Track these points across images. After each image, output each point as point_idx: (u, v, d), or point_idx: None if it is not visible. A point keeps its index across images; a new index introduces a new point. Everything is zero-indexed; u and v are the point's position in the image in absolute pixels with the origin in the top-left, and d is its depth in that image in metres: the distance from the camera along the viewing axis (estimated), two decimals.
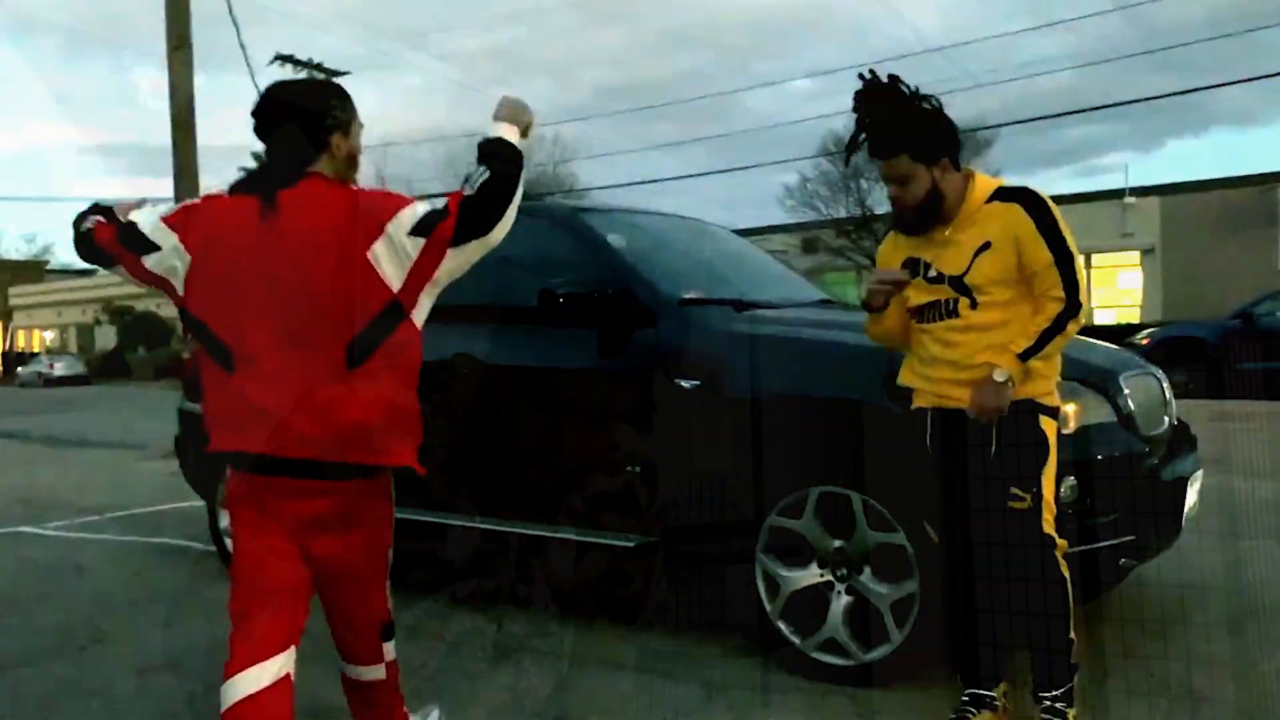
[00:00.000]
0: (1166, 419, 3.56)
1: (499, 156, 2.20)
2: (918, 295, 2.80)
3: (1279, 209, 21.42)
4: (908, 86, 2.75)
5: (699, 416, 3.50)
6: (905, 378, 2.87)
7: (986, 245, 2.66)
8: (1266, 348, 13.27)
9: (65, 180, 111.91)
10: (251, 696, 2.19)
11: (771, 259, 5.11)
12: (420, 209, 2.17)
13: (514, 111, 2.28)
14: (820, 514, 3.26)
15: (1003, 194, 2.73)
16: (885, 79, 2.76)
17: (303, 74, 31.47)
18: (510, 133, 2.25)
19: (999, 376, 2.60)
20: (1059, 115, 21.43)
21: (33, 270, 59.78)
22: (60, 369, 39.17)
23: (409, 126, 73.09)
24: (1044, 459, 2.67)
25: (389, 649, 2.59)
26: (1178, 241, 22.54)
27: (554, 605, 4.17)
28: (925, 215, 2.74)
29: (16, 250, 66.34)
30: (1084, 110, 24.08)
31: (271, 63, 30.95)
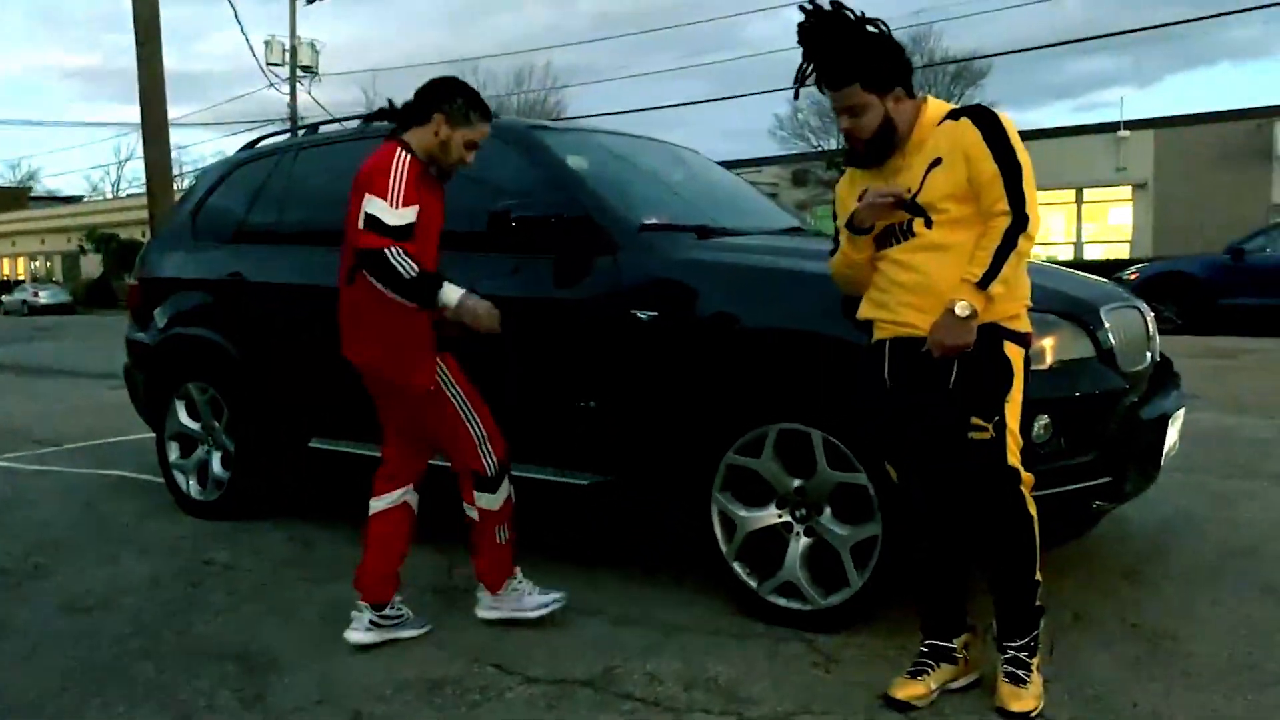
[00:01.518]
0: (1149, 354, 3.37)
1: (403, 279, 2.79)
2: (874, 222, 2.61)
3: (1275, 144, 21.06)
4: (852, 12, 2.54)
5: (655, 350, 3.31)
6: (864, 310, 2.67)
7: (937, 161, 2.49)
8: (1256, 284, 13.12)
9: (54, 105, 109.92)
10: None
11: (745, 185, 4.87)
12: (372, 208, 2.79)
13: (476, 317, 2.87)
14: (779, 452, 3.09)
15: (954, 114, 2.55)
16: (829, 5, 2.54)
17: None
18: (450, 305, 2.83)
19: (960, 310, 2.41)
20: (1053, 45, 20.91)
21: (16, 196, 58.90)
22: (45, 297, 38.86)
23: (403, 52, 71.37)
24: (1007, 386, 2.50)
25: (479, 498, 3.13)
26: (1171, 176, 22.20)
27: None
28: (880, 147, 2.56)
29: (1, 177, 65.45)
30: (1079, 40, 23.47)
31: None
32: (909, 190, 2.52)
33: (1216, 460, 5.36)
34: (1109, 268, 16.70)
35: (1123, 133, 22.76)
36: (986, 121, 2.50)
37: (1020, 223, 2.43)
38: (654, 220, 3.61)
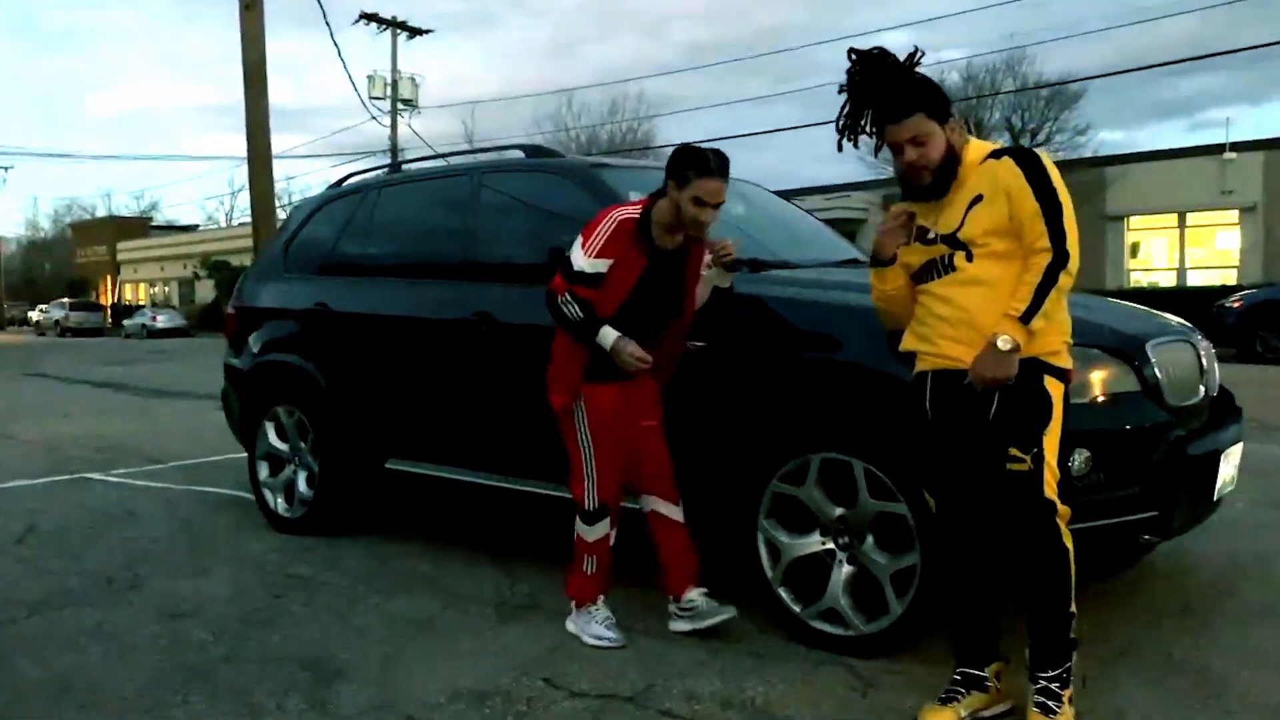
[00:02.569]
0: (1203, 389, 3.35)
1: (569, 316, 3.25)
2: (915, 257, 2.72)
3: None
4: (895, 56, 2.68)
5: (704, 378, 3.44)
6: (907, 342, 2.77)
7: (978, 198, 2.59)
8: None
9: (175, 138, 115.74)
10: None
11: (806, 218, 4.97)
12: (571, 252, 3.26)
13: (620, 358, 3.20)
14: (822, 481, 3.19)
15: (996, 154, 2.66)
16: (875, 50, 2.69)
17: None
18: (605, 346, 3.21)
19: (1003, 344, 2.49)
20: (1148, 68, 20.33)
21: (138, 226, 62.17)
22: (162, 321, 40.78)
23: (500, 84, 73.15)
24: (1046, 419, 2.56)
25: (578, 524, 3.44)
26: None
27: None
28: (946, 175, 2.63)
29: (125, 207, 69.15)
30: (1173, 62, 22.65)
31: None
32: (949, 227, 2.61)
33: None
34: (1213, 294, 16.13)
35: (1229, 154, 21.94)
36: (1028, 161, 2.59)
37: (1061, 259, 2.50)
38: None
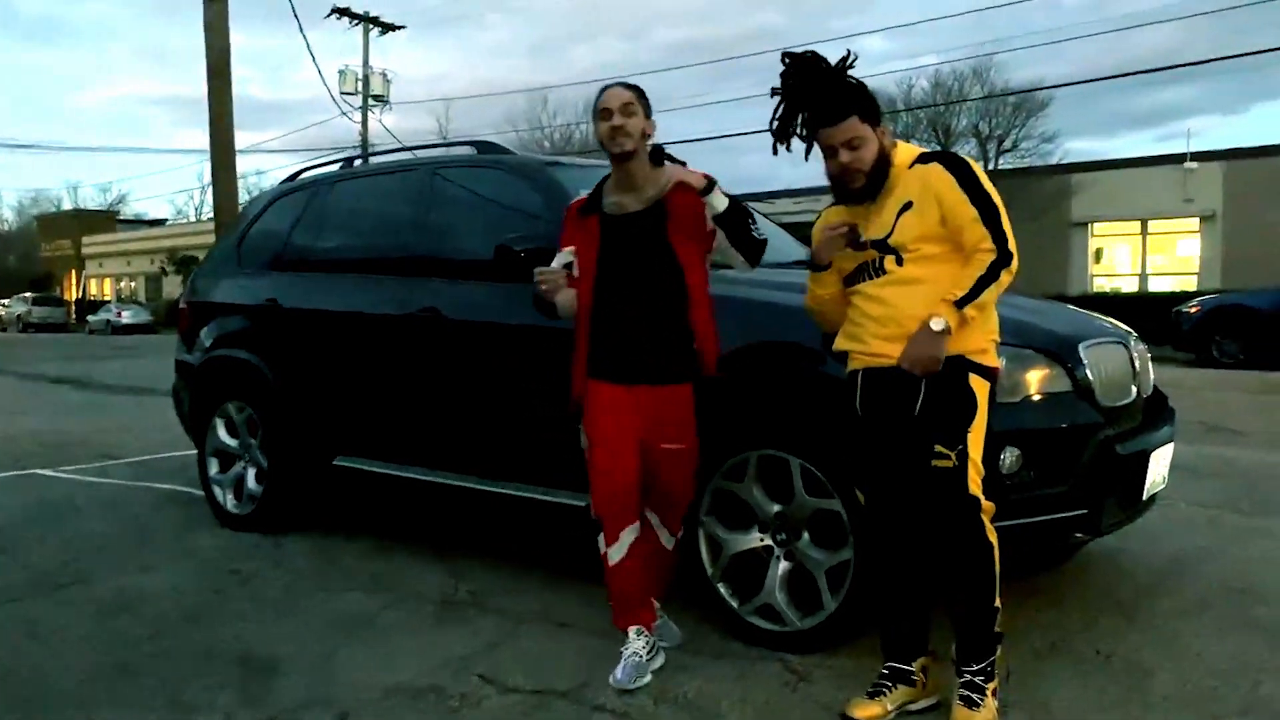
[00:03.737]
0: (1135, 389, 3.41)
1: None
2: (848, 262, 2.77)
3: None
4: (827, 60, 2.72)
5: None
6: (840, 342, 2.81)
7: (908, 205, 2.64)
8: None
9: (146, 131, 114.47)
10: None
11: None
12: None
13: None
14: (761, 478, 3.22)
15: (923, 158, 2.71)
16: (807, 54, 2.73)
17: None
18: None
19: (936, 325, 2.55)
20: (1114, 77, 20.59)
21: (105, 219, 61.32)
22: (127, 317, 40.27)
23: (481, 82, 72.78)
24: (970, 417, 2.60)
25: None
26: (1240, 208, 21.60)
27: (520, 561, 4.20)
28: (877, 179, 2.68)
29: (93, 200, 68.16)
30: (1140, 72, 23.13)
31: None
32: (880, 233, 2.66)
33: (1242, 498, 5.30)
34: (1173, 300, 16.37)
35: (1189, 164, 22.27)
36: (958, 166, 2.64)
37: (1004, 258, 2.57)
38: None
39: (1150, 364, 3.67)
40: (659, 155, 3.05)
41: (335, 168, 5.07)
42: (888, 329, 2.64)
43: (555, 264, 3.06)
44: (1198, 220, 22.71)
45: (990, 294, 2.56)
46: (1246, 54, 19.54)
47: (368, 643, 3.33)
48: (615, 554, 3.01)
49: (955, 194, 2.58)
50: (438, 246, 4.24)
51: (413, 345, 4.16)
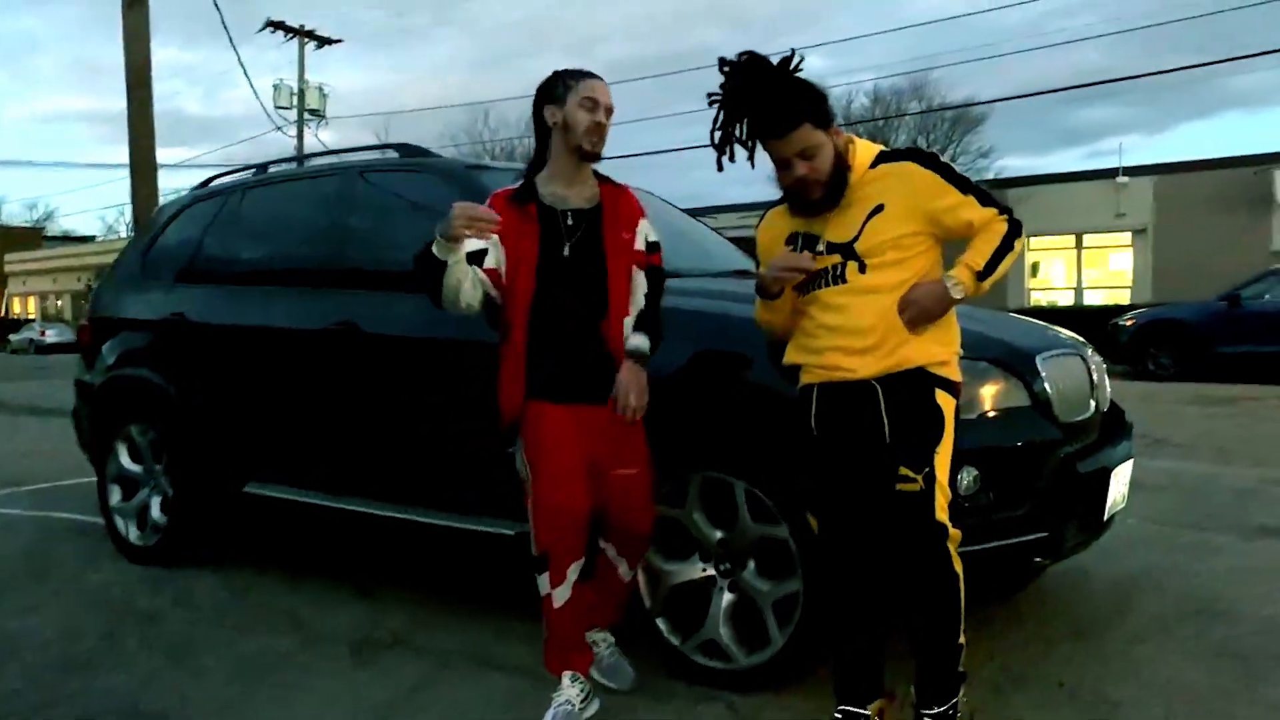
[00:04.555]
0: (1093, 404, 3.25)
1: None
2: None
3: (1274, 191, 20.93)
4: (770, 60, 2.42)
5: None
6: (791, 355, 2.58)
7: (879, 208, 2.41)
8: (1252, 331, 12.95)
9: (75, 147, 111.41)
10: None
11: (702, 228, 4.79)
12: None
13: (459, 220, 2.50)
14: (703, 503, 2.98)
15: (889, 156, 2.49)
16: (745, 58, 2.43)
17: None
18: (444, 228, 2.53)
19: (954, 289, 2.39)
20: (1050, 92, 20.93)
21: (30, 236, 59.44)
22: (52, 336, 38.97)
23: (423, 96, 71.88)
24: (938, 436, 2.40)
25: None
26: (1171, 223, 22.06)
27: (445, 596, 3.91)
28: (836, 187, 2.43)
29: (19, 217, 66.04)
30: (1076, 86, 23.55)
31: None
32: (845, 237, 2.43)
33: (1193, 512, 5.21)
34: (1108, 314, 16.58)
35: (1121, 179, 22.70)
36: (933, 161, 2.46)
37: (1016, 227, 2.44)
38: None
39: (1106, 377, 3.51)
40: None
41: (249, 173, 4.74)
42: (847, 341, 2.41)
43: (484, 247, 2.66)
44: (1130, 234, 23.15)
45: (1007, 263, 2.43)
46: (1170, 70, 20.03)
47: (273, 690, 3.02)
48: (561, 595, 2.69)
49: (942, 188, 2.40)
50: (355, 255, 3.95)
51: (327, 362, 3.85)
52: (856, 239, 2.41)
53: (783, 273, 2.47)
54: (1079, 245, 24.13)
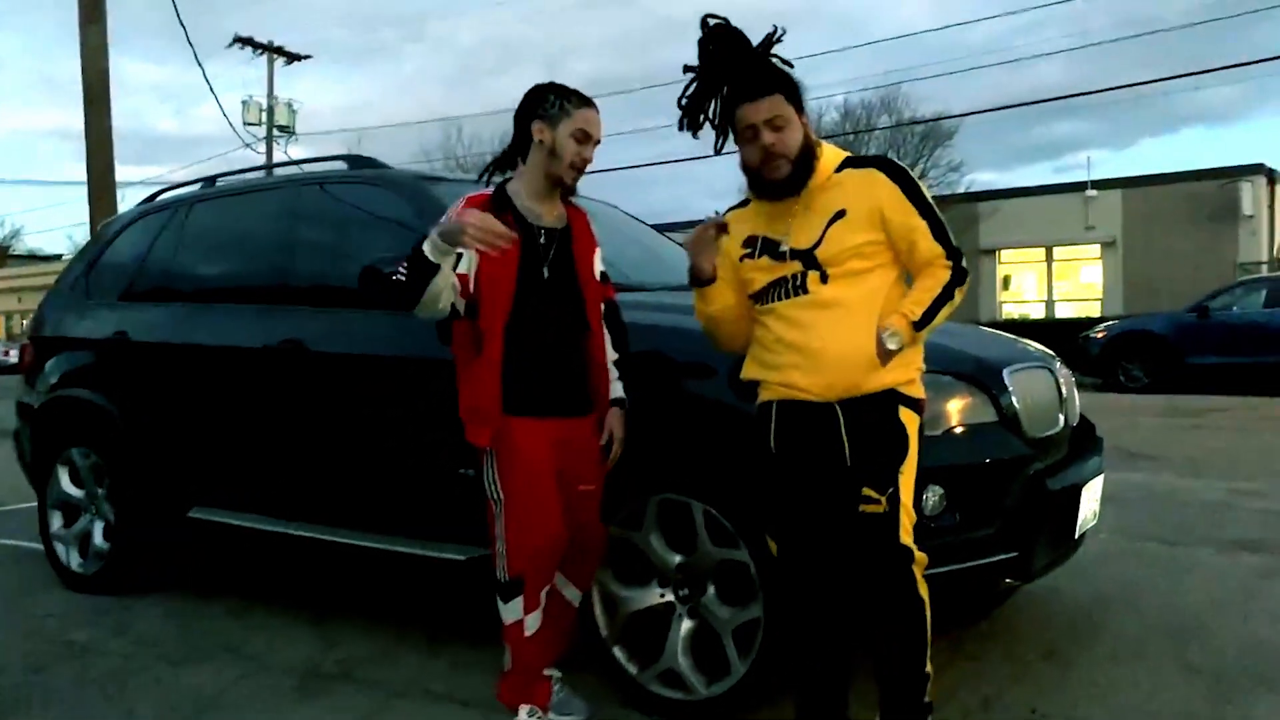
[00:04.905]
0: (1062, 418, 3.15)
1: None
2: (761, 275, 2.40)
3: (1240, 203, 21.14)
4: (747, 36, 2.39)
5: None
6: (749, 370, 2.47)
7: (841, 214, 2.31)
8: (1222, 342, 13.00)
9: (44, 164, 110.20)
10: None
11: (664, 241, 4.67)
12: None
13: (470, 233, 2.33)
14: (661, 525, 2.86)
15: (855, 161, 2.39)
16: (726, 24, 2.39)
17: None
18: (445, 240, 2.37)
19: (891, 341, 2.26)
20: (1019, 105, 21.13)
21: None
22: (15, 356, 38.32)
23: (395, 113, 71.59)
24: (902, 455, 2.30)
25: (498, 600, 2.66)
26: (1139, 235, 22.21)
27: (395, 624, 3.76)
28: (802, 171, 2.33)
29: None
30: (1045, 100, 23.75)
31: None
32: (806, 243, 2.32)
33: (1165, 525, 5.14)
34: (1079, 326, 16.62)
35: (1090, 192, 22.83)
36: (900, 175, 2.35)
37: (960, 275, 2.33)
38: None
39: (1075, 390, 3.42)
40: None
41: (197, 186, 4.59)
42: (806, 359, 2.30)
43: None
44: (1099, 247, 23.28)
45: (945, 314, 2.32)
46: (1133, 85, 20.27)
47: None
48: (534, 622, 2.61)
49: (902, 204, 2.30)
50: (303, 270, 3.81)
51: (273, 382, 3.70)
52: (818, 245, 2.31)
53: (698, 247, 2.43)
54: (1049, 258, 24.25)
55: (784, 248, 2.36)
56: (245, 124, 29.65)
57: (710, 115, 2.42)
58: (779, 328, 2.36)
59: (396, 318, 3.34)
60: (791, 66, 2.39)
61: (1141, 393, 13.18)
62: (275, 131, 30.18)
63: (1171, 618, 3.61)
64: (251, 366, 3.77)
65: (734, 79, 2.36)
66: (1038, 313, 24.06)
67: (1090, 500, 3.12)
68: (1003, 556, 2.74)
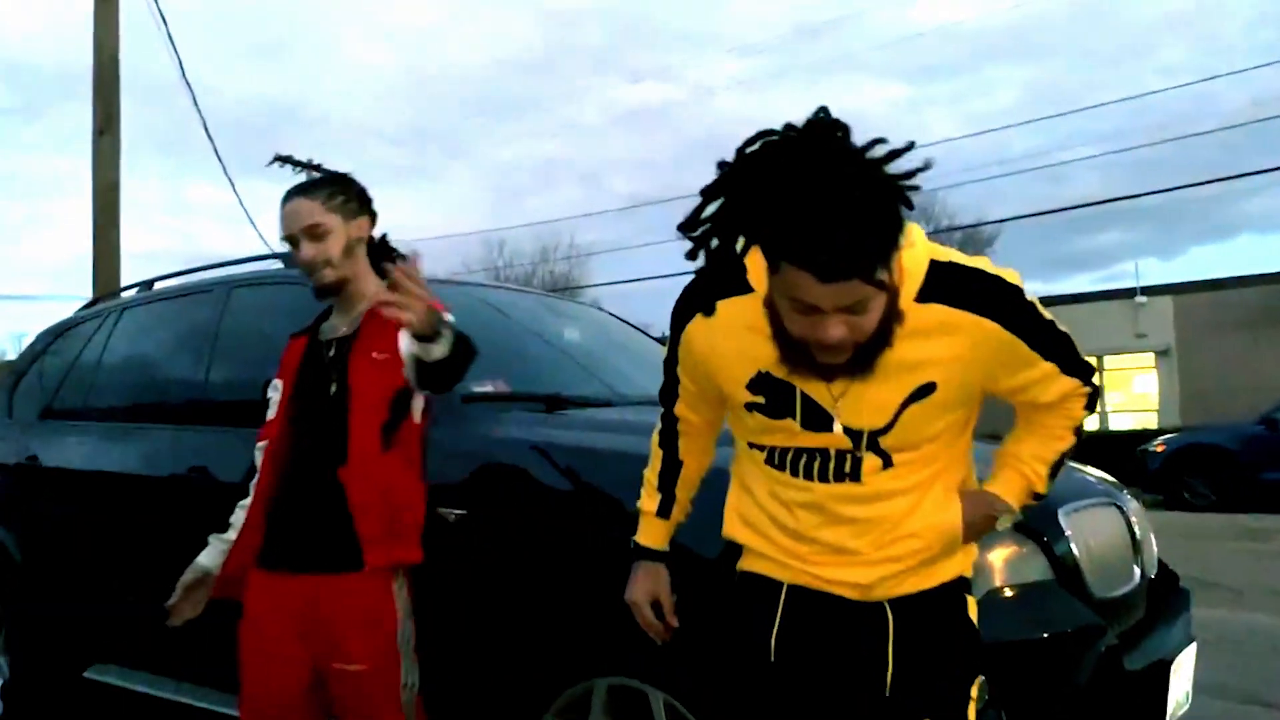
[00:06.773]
0: (1137, 569, 2.47)
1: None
2: (779, 437, 1.63)
3: None
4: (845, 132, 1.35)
5: (464, 564, 2.44)
6: (735, 529, 1.75)
7: (928, 390, 1.53)
8: None
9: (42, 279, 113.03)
10: None
11: (651, 346, 4.10)
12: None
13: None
14: (612, 715, 2.18)
15: (952, 292, 1.51)
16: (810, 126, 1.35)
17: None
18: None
19: (1004, 523, 1.70)
20: (1060, 210, 20.59)
21: None
22: None
23: (437, 229, 73.11)
24: (975, 669, 1.65)
25: None
26: (1193, 342, 21.32)
27: None
28: (871, 352, 1.48)
29: None
30: (1088, 205, 23.06)
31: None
32: (872, 423, 1.55)
33: (1258, 679, 4.31)
34: (1136, 439, 15.70)
35: (1140, 298, 22.10)
36: (1018, 313, 1.55)
37: (1092, 402, 1.70)
38: (489, 387, 2.83)
39: (1150, 530, 2.73)
40: (378, 254, 2.26)
41: (133, 292, 4.13)
42: (856, 556, 1.60)
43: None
44: (1152, 355, 22.40)
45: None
46: (1178, 188, 19.64)
47: None
48: None
49: (1025, 356, 1.57)
50: (223, 385, 3.27)
51: (179, 516, 3.12)
52: (889, 429, 1.56)
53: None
54: (1100, 368, 23.34)
55: (838, 425, 1.57)
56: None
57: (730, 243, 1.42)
58: (807, 517, 1.62)
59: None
60: (900, 194, 1.34)
61: (1208, 510, 12.21)
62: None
63: None
64: (157, 497, 3.21)
65: (797, 236, 1.31)
66: (1091, 425, 23.05)
67: (1181, 679, 2.40)
68: None
